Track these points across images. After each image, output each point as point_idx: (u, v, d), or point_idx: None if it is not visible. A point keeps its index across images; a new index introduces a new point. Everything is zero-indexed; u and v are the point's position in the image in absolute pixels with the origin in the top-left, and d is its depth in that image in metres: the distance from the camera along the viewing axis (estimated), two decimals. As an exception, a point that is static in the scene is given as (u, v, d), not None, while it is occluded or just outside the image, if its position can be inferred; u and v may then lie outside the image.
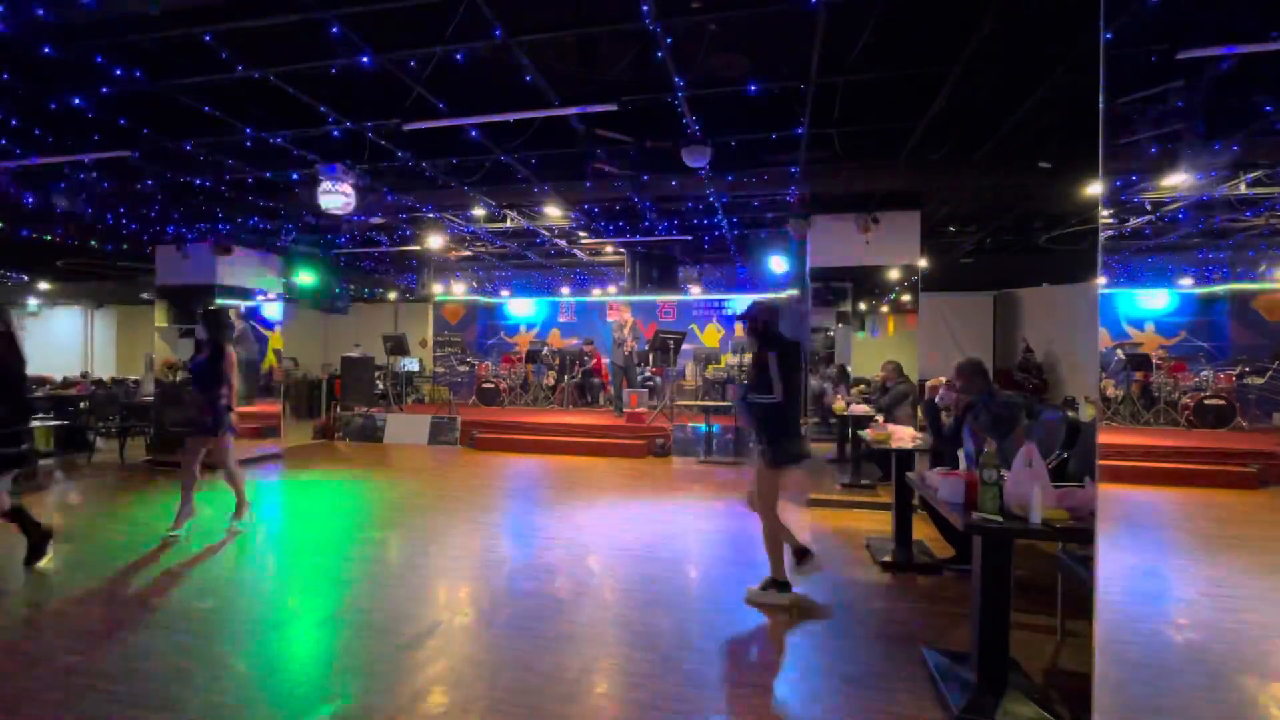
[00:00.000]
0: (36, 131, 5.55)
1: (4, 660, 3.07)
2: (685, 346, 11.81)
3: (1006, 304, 12.51)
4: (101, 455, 8.90)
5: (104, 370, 15.13)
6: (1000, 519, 2.57)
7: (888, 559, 4.48)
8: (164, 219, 8.13)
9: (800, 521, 4.01)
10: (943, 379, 5.04)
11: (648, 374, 11.56)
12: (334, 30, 3.91)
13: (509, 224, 8.63)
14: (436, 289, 13.93)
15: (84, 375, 12.58)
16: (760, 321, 4.05)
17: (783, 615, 3.68)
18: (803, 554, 3.97)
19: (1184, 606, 4.02)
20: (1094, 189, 6.32)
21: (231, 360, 5.07)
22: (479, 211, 8.06)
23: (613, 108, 4.87)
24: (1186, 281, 11.43)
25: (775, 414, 3.86)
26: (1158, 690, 2.98)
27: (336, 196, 5.88)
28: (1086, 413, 9.04)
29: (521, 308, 15.59)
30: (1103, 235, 8.15)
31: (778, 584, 3.87)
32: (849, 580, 4.24)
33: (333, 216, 6.90)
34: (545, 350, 13.38)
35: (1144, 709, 2.83)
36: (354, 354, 12.46)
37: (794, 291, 9.52)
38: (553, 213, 8.12)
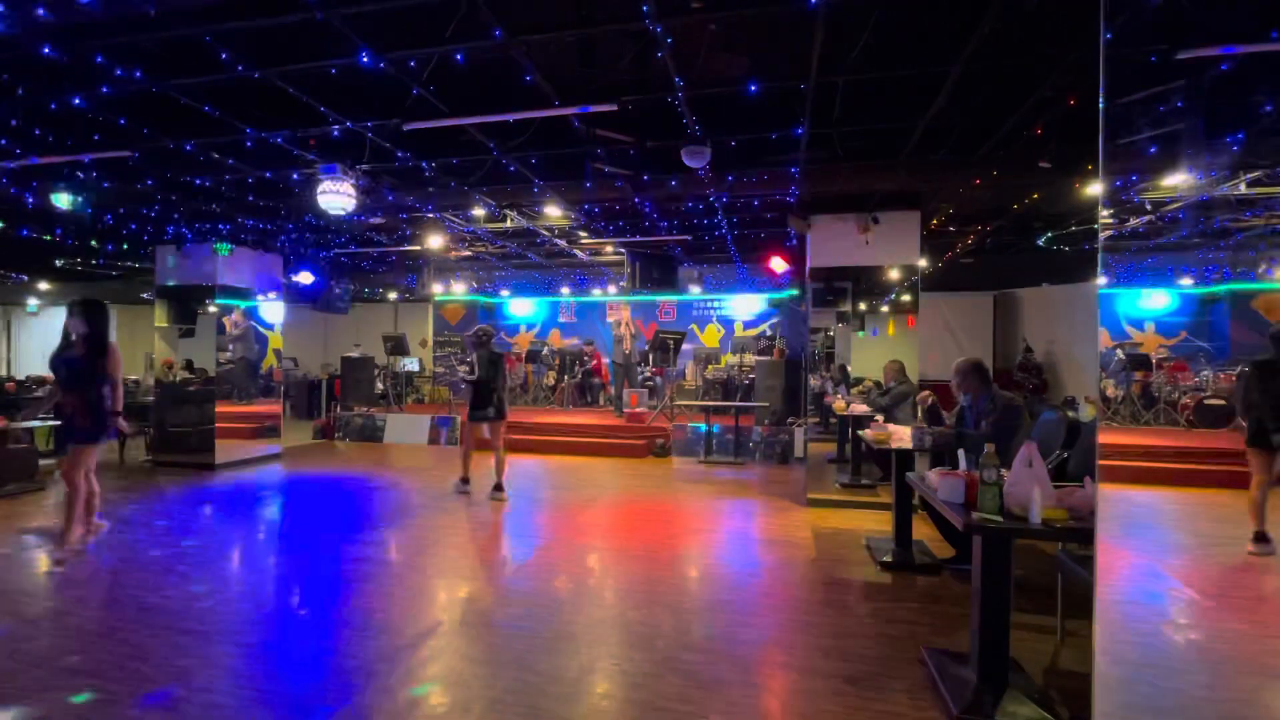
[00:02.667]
0: (36, 131, 5.55)
1: (4, 660, 3.07)
2: (685, 346, 11.82)
3: (1006, 304, 12.51)
4: (101, 455, 8.89)
5: (104, 370, 15.10)
6: (1000, 519, 2.57)
7: (888, 559, 4.48)
8: (164, 219, 8.12)
9: (502, 460, 6.66)
10: (929, 394, 5.10)
11: (648, 374, 11.57)
12: (334, 30, 3.91)
13: (509, 224, 8.63)
14: (436, 289, 13.93)
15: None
16: (481, 338, 6.62)
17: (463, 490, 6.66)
18: (465, 481, 6.77)
19: (1184, 606, 4.02)
20: (1094, 189, 6.32)
21: (116, 357, 4.52)
22: (479, 211, 8.06)
23: (613, 108, 4.87)
24: (1186, 281, 11.43)
25: (473, 388, 6.49)
26: (1158, 690, 2.98)
27: (336, 196, 5.88)
28: (1087, 413, 9.04)
29: (521, 308, 15.60)
30: (1103, 235, 8.15)
31: (464, 480, 6.77)
32: (849, 580, 4.24)
33: (333, 216, 6.90)
34: (545, 350, 13.39)
35: (1144, 709, 2.83)
36: (354, 354, 12.47)
37: (795, 292, 9.52)
38: (553, 213, 8.12)
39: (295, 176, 6.79)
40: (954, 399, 4.47)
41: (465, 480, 6.77)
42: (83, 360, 4.46)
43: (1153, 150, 5.33)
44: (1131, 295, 11.88)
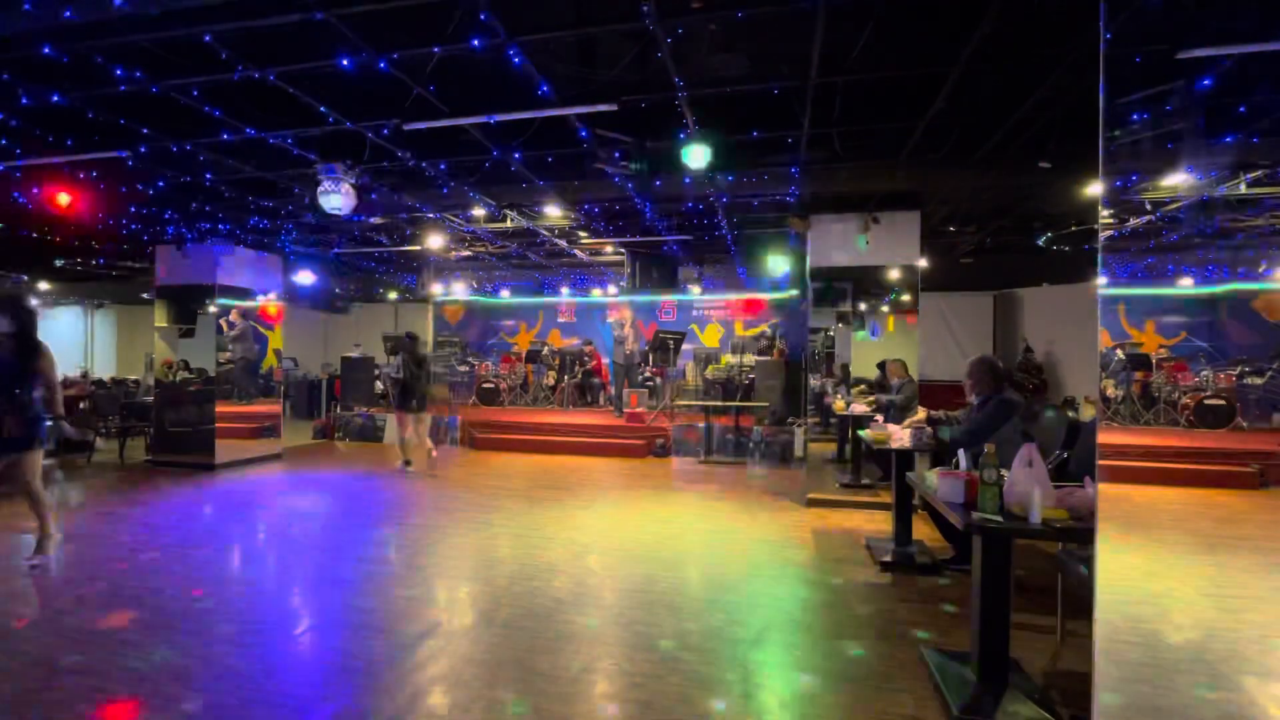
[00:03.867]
0: (36, 131, 5.55)
1: (4, 660, 3.07)
2: (685, 346, 11.81)
3: (1006, 304, 12.52)
4: (101, 455, 8.90)
5: (104, 370, 15.13)
6: (1000, 519, 2.57)
7: (888, 559, 4.48)
8: (164, 219, 8.12)
9: (421, 442, 7.92)
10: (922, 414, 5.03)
11: (648, 374, 11.56)
12: (334, 30, 3.91)
13: (509, 224, 8.63)
14: (436, 289, 13.93)
15: (84, 375, 12.58)
16: (407, 343, 7.75)
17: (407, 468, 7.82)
18: (408, 463, 7.87)
19: (1184, 606, 4.02)
20: (1094, 189, 6.31)
21: (50, 357, 4.27)
22: (479, 211, 8.06)
23: (613, 108, 4.87)
24: (1186, 281, 11.42)
25: (400, 385, 7.65)
26: (1158, 690, 2.98)
27: (336, 196, 5.88)
28: (1086, 413, 9.04)
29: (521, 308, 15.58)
30: (1103, 235, 8.15)
31: (406, 462, 7.86)
32: (849, 580, 4.24)
33: (333, 216, 6.90)
34: (545, 350, 13.38)
35: (1144, 709, 2.83)
36: (354, 354, 12.47)
37: (795, 291, 9.51)
38: (553, 213, 8.12)
39: (295, 176, 6.79)
40: (947, 399, 4.47)
41: (408, 462, 7.96)
42: (12, 361, 4.16)
43: (1153, 150, 5.33)
44: (1132, 295, 11.88)
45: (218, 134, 5.56)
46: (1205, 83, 4.14)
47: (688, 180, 6.35)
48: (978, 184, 6.46)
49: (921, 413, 5.00)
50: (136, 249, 9.60)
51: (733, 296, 14.40)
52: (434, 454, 8.04)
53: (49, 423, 4.36)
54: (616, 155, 5.90)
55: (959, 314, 12.46)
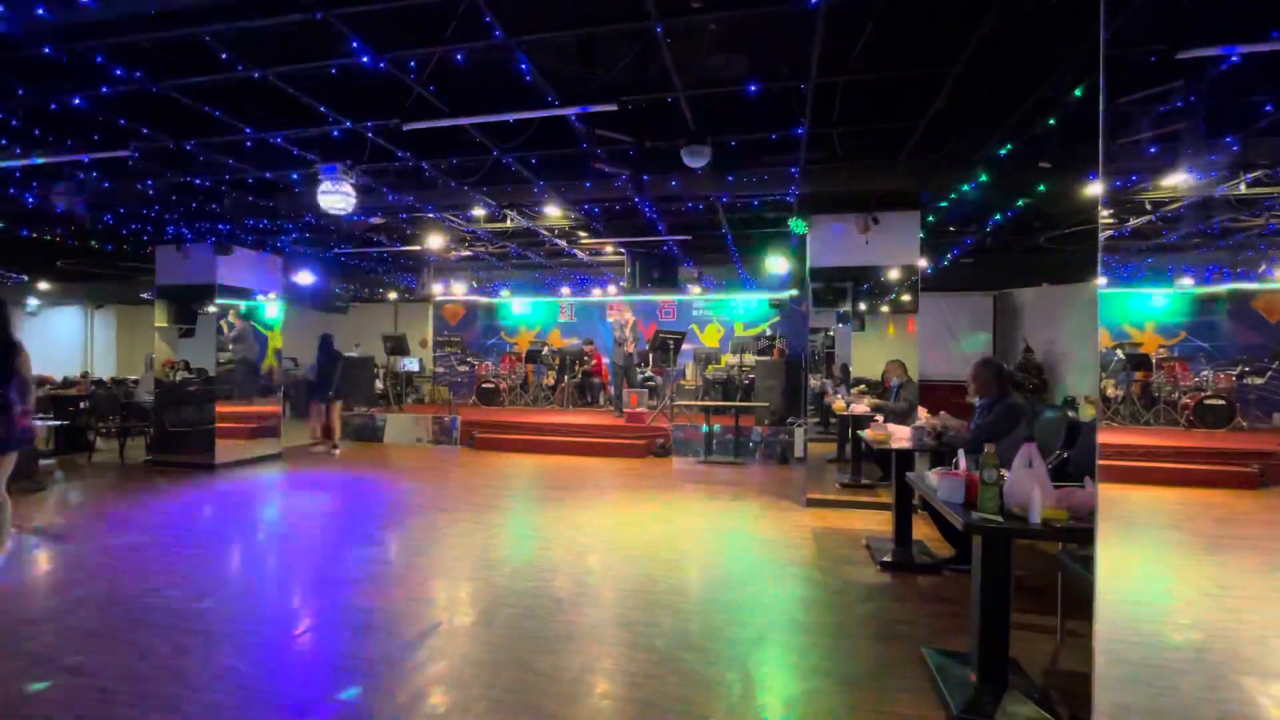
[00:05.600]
0: (36, 131, 5.55)
1: (4, 660, 3.07)
2: (685, 346, 11.80)
3: (1006, 304, 12.51)
4: (101, 455, 8.90)
5: (104, 370, 15.12)
6: (1000, 519, 2.57)
7: (888, 559, 4.48)
8: (164, 219, 8.12)
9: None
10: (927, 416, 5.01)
11: (648, 374, 11.56)
12: (334, 30, 3.91)
13: (509, 224, 8.63)
14: (436, 289, 13.92)
15: (84, 375, 12.57)
16: (321, 342, 9.38)
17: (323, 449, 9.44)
18: (333, 445, 9.50)
19: (1184, 606, 4.02)
20: (1094, 189, 6.32)
21: (25, 357, 4.10)
22: (479, 211, 8.06)
23: (613, 108, 4.87)
24: (1186, 281, 11.42)
25: (316, 379, 9.47)
26: (1158, 690, 2.98)
27: (336, 196, 5.88)
28: (1086, 413, 9.04)
29: (521, 307, 15.58)
30: (1103, 235, 8.15)
31: (334, 446, 9.49)
32: (849, 580, 4.24)
33: (332, 216, 6.90)
34: (545, 350, 13.38)
35: (1144, 709, 2.83)
36: (354, 354, 12.46)
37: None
38: (553, 213, 8.12)
39: (295, 176, 6.79)
40: (946, 400, 4.47)
41: (335, 445, 9.52)
42: None
43: (1153, 150, 5.33)
44: (1131, 295, 11.88)
45: (218, 134, 5.57)
46: (1205, 83, 4.14)
47: (674, 183, 6.36)
48: (978, 184, 6.46)
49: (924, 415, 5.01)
50: (136, 249, 9.61)
51: (733, 296, 14.40)
52: (336, 450, 9.35)
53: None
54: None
55: (959, 314, 12.45)
